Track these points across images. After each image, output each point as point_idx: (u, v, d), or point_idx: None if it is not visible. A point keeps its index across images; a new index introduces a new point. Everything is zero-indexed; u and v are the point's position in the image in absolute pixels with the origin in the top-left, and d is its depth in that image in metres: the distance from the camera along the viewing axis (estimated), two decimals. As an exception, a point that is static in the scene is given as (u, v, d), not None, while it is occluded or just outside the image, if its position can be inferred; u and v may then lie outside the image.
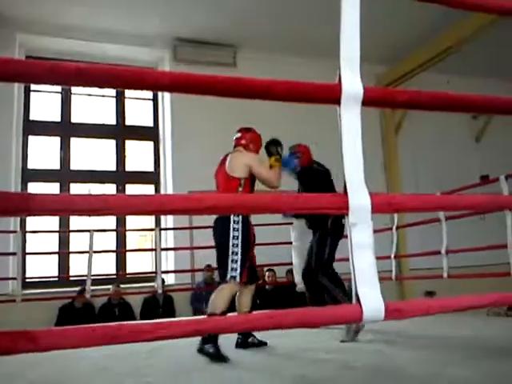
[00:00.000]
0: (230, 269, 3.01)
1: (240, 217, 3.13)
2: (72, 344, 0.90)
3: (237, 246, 3.06)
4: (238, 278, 2.99)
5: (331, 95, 1.16)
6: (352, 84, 1.17)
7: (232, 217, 3.12)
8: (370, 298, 1.10)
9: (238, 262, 3.02)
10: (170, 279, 7.27)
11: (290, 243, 6.39)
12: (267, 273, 7.02)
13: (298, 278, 6.32)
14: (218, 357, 2.81)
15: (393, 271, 5.77)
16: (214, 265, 6.51)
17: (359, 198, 1.15)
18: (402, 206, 1.23)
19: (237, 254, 3.04)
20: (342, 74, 1.17)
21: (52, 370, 2.64)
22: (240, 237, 3.08)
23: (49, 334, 0.90)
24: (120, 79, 0.93)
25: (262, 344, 3.40)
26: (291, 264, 6.47)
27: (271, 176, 3.34)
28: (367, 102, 1.19)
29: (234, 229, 3.11)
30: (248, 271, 3.14)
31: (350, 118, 1.17)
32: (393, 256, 5.69)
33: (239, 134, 3.60)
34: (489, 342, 3.04)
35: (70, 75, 0.94)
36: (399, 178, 8.84)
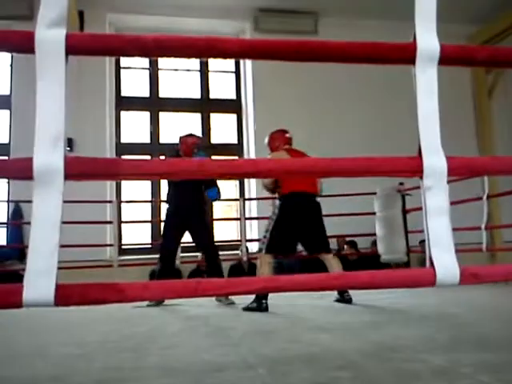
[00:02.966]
0: None
1: None
2: (155, 295, 0.98)
3: None
4: None
5: (405, 55, 1.13)
6: (427, 42, 1.13)
7: None
8: (444, 261, 1.08)
9: None
10: (254, 247, 7.46)
11: (374, 214, 6.30)
12: (345, 246, 7.03)
13: (382, 248, 6.23)
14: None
15: (483, 243, 5.50)
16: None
17: (434, 161, 1.13)
18: (481, 169, 1.19)
19: None
20: (416, 32, 1.13)
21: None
22: None
23: (134, 287, 0.99)
24: (193, 47, 0.97)
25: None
26: (375, 235, 6.38)
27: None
28: (444, 60, 1.14)
29: None
30: None
31: (426, 77, 1.14)
32: (483, 227, 5.41)
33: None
34: None
35: (148, 46, 1.01)
36: (493, 145, 8.28)
